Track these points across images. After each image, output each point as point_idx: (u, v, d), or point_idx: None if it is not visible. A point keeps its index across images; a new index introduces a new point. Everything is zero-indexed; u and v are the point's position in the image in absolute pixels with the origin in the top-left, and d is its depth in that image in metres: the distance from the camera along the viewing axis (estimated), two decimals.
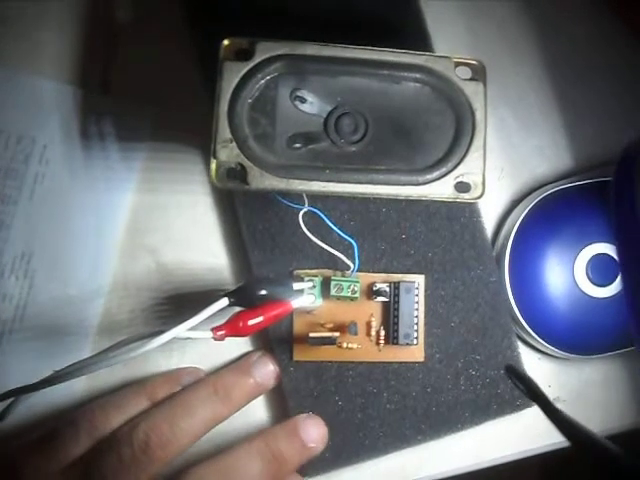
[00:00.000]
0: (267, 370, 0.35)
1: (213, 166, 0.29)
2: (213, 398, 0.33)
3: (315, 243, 0.33)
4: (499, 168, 0.38)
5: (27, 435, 0.33)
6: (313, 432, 0.34)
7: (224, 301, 0.30)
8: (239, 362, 0.35)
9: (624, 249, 0.25)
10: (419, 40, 0.36)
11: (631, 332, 0.25)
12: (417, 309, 0.34)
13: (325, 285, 0.34)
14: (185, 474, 0.32)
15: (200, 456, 0.33)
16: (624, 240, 0.25)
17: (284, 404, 0.35)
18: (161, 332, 0.29)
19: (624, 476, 0.23)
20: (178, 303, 0.35)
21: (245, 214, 0.35)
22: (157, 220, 0.36)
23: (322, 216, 0.33)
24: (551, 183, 0.37)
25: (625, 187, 0.23)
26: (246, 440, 0.33)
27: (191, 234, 0.36)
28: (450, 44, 0.37)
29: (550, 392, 0.37)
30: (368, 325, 0.34)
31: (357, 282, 0.33)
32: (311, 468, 0.34)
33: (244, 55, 0.30)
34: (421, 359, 0.35)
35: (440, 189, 0.30)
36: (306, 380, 0.34)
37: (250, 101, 0.30)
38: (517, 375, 0.28)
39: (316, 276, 0.34)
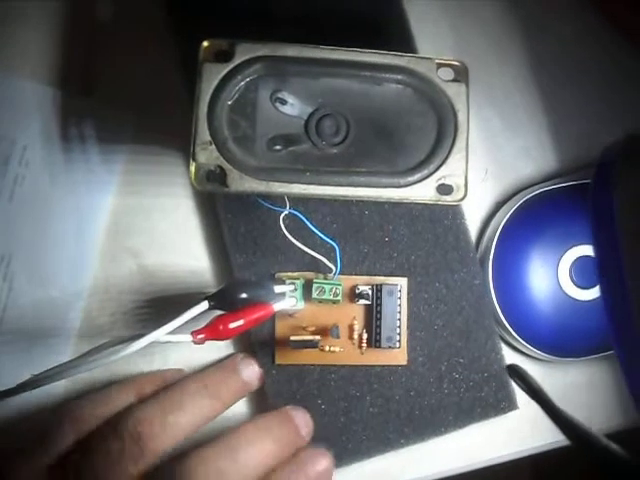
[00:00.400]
0: (253, 370, 0.34)
1: (192, 168, 0.29)
2: (203, 393, 0.32)
3: (297, 246, 0.33)
4: (483, 169, 0.37)
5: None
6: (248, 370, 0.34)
7: (204, 304, 0.30)
8: (224, 361, 0.35)
9: (601, 253, 0.25)
10: (402, 41, 0.36)
11: (609, 335, 0.25)
12: (400, 312, 0.34)
13: (307, 288, 0.33)
14: (186, 457, 0.30)
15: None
16: (601, 244, 0.25)
17: (266, 408, 0.34)
18: (140, 336, 0.29)
19: (625, 475, 0.23)
20: (159, 306, 0.35)
21: (227, 217, 0.35)
22: (138, 223, 0.36)
23: (303, 219, 0.33)
24: (536, 185, 0.37)
25: (602, 192, 0.23)
26: (249, 421, 0.32)
27: (173, 237, 0.36)
28: (434, 44, 0.37)
29: None
30: (350, 328, 0.34)
31: (339, 285, 0.33)
32: None
33: (224, 57, 0.30)
34: (404, 362, 0.35)
35: (422, 191, 0.30)
36: (288, 383, 0.34)
37: (230, 103, 0.29)
38: (519, 375, 0.28)
39: (298, 279, 0.34)
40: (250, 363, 0.35)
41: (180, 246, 0.36)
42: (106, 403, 0.32)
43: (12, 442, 0.32)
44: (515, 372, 0.29)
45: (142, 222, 0.36)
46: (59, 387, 0.34)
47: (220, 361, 0.35)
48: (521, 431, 0.37)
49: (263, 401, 0.35)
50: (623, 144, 0.24)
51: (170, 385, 0.33)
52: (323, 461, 0.32)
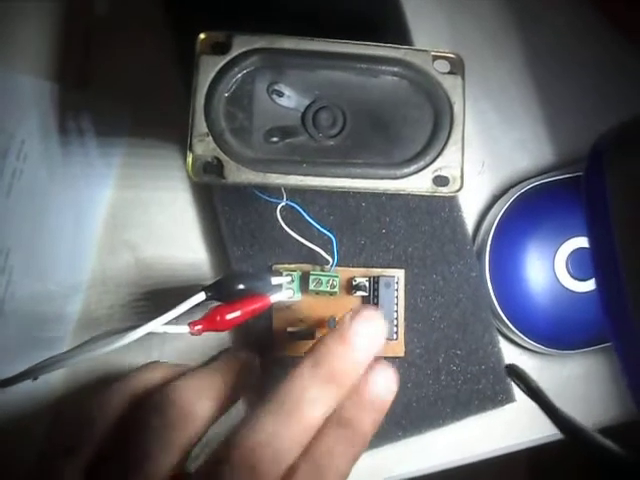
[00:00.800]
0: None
1: (189, 160, 0.29)
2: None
3: (294, 238, 0.33)
4: (480, 162, 0.38)
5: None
6: (366, 336, 0.27)
7: (201, 295, 0.30)
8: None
9: (596, 244, 0.25)
10: (399, 34, 0.36)
11: (605, 326, 0.25)
12: (397, 304, 0.34)
13: (304, 280, 0.34)
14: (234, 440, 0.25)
15: None
16: (595, 233, 0.25)
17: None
18: (137, 326, 0.29)
19: (625, 475, 0.23)
20: (157, 299, 0.35)
21: (224, 209, 0.35)
22: (136, 216, 0.36)
23: (300, 210, 0.33)
24: (532, 177, 0.37)
25: (596, 180, 0.23)
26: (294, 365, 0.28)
27: (170, 230, 0.36)
28: (430, 38, 0.37)
29: None
30: None
31: (336, 277, 0.33)
32: None
33: (221, 49, 0.30)
34: (401, 354, 0.35)
35: (418, 183, 0.30)
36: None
37: (227, 95, 0.30)
38: (517, 374, 0.28)
39: (295, 271, 0.34)
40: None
41: (178, 239, 0.36)
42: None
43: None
44: (513, 372, 0.29)
45: (140, 215, 0.36)
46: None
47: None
48: (519, 424, 0.37)
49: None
50: (616, 132, 0.24)
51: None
52: (387, 372, 0.28)
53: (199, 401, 0.28)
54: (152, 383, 0.30)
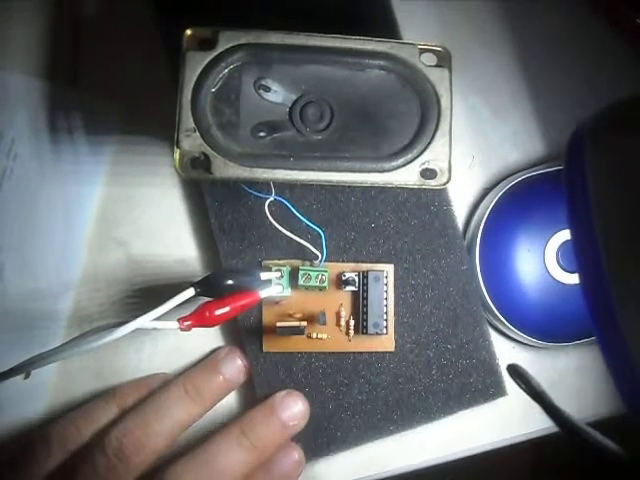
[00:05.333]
0: (236, 366, 0.34)
1: (177, 156, 0.29)
2: (184, 398, 0.33)
3: (283, 233, 0.33)
4: (470, 156, 0.38)
5: None
6: (292, 410, 0.33)
7: (190, 291, 0.30)
8: (207, 360, 0.35)
9: (577, 234, 0.25)
10: (387, 28, 0.36)
11: (588, 321, 0.25)
12: (386, 298, 0.34)
13: (293, 275, 0.33)
14: (162, 473, 0.31)
15: (176, 449, 0.33)
16: (577, 226, 0.24)
17: (254, 395, 0.34)
18: (127, 322, 0.29)
19: (625, 476, 0.23)
20: (148, 295, 0.35)
21: (213, 205, 0.35)
22: (126, 213, 0.36)
23: (289, 205, 0.33)
24: (522, 170, 0.37)
25: (575, 168, 0.23)
26: (223, 430, 0.33)
27: (160, 226, 0.36)
28: (419, 32, 0.37)
29: None
30: (337, 315, 0.34)
31: (325, 272, 0.33)
32: None
33: (207, 45, 0.30)
34: (391, 349, 0.35)
35: (406, 176, 0.30)
36: (276, 371, 0.34)
37: (214, 90, 0.30)
38: (519, 374, 0.28)
39: (284, 266, 0.34)
40: (234, 359, 0.35)
41: (168, 235, 0.36)
42: (90, 420, 0.33)
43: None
44: (515, 371, 0.29)
45: (130, 212, 0.36)
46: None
47: (207, 354, 0.35)
48: (511, 418, 0.37)
49: (251, 389, 0.35)
50: (594, 119, 0.24)
51: (152, 394, 0.34)
52: (293, 454, 0.34)
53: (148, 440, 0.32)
54: (108, 418, 0.33)
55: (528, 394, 0.27)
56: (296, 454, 0.34)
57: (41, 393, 0.35)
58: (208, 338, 0.35)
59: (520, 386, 0.28)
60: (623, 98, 0.23)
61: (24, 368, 0.29)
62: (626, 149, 0.22)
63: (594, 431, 0.24)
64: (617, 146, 0.22)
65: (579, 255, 0.26)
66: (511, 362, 0.31)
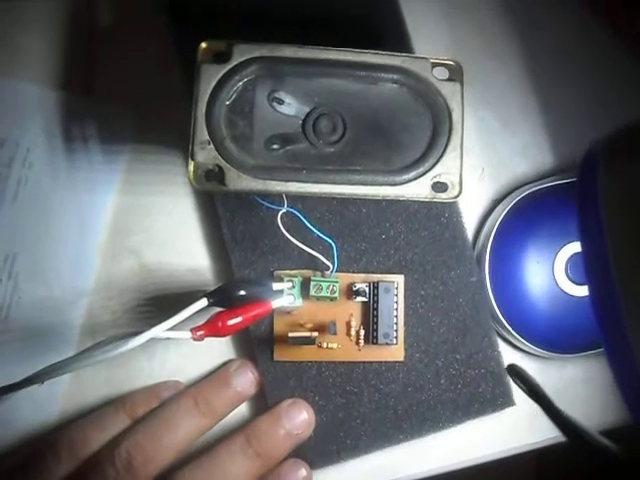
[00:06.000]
0: (247, 379, 0.35)
1: (191, 168, 0.29)
2: (194, 411, 0.33)
3: (295, 244, 0.33)
4: (480, 168, 0.38)
5: (8, 459, 0.34)
6: (297, 419, 0.34)
7: (203, 301, 0.31)
8: (219, 372, 0.35)
9: (588, 252, 0.25)
10: (399, 41, 0.37)
11: (597, 334, 0.26)
12: (396, 309, 0.34)
13: (305, 285, 0.34)
14: (168, 479, 0.32)
15: (183, 455, 0.33)
16: (588, 243, 0.25)
17: (265, 404, 0.35)
18: (140, 332, 0.29)
19: (622, 474, 0.23)
20: (160, 304, 0.35)
21: (226, 215, 0.35)
22: (139, 221, 0.36)
23: (301, 217, 0.33)
24: (531, 182, 0.37)
25: (588, 190, 0.23)
26: (227, 438, 0.33)
27: (173, 235, 0.36)
28: (430, 44, 0.38)
29: None
30: (348, 325, 0.34)
31: (336, 282, 0.33)
32: None
33: (222, 58, 0.30)
34: (401, 358, 0.35)
35: (417, 189, 0.30)
36: (287, 380, 0.35)
37: (228, 103, 0.30)
38: (518, 375, 0.28)
39: (296, 276, 0.34)
40: (245, 371, 0.35)
41: (180, 244, 0.36)
42: (101, 428, 0.33)
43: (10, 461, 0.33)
44: (514, 371, 0.29)
45: (143, 221, 0.36)
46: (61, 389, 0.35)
47: (218, 366, 0.36)
48: (518, 427, 0.37)
49: (262, 397, 0.35)
50: (608, 139, 0.25)
51: (162, 405, 0.34)
52: (301, 471, 0.34)
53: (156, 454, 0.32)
54: (118, 426, 0.33)
55: (527, 393, 0.28)
56: (304, 470, 0.34)
57: (53, 399, 0.35)
58: (219, 346, 0.36)
59: (519, 386, 0.28)
60: (635, 121, 0.24)
61: (39, 378, 0.29)
62: (637, 173, 0.22)
63: (592, 431, 0.25)
64: (629, 170, 0.23)
65: (589, 270, 0.26)
66: (512, 364, 0.31)
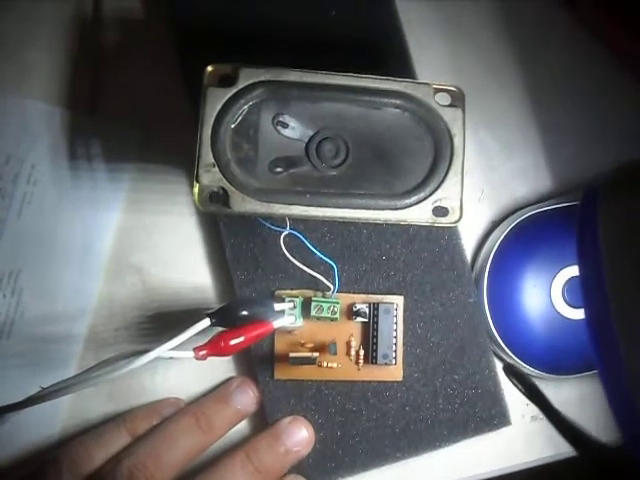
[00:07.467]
0: (247, 397, 0.35)
1: (196, 190, 0.30)
2: (195, 429, 0.34)
3: (297, 265, 0.33)
4: (479, 190, 0.38)
5: (9, 475, 0.34)
6: (296, 436, 0.34)
7: (206, 321, 0.31)
8: (219, 390, 0.36)
9: (586, 281, 0.26)
10: (402, 65, 0.37)
11: (592, 357, 0.26)
12: (396, 330, 0.35)
13: (306, 306, 0.34)
14: None
15: (183, 473, 0.33)
16: (586, 272, 0.25)
17: (265, 422, 0.35)
18: (144, 352, 0.30)
19: (622, 474, 0.23)
20: (162, 322, 0.36)
21: (229, 235, 0.36)
22: (143, 240, 0.37)
23: (303, 240, 0.33)
24: (530, 205, 0.38)
25: (588, 221, 0.24)
26: (228, 454, 0.34)
27: (176, 254, 0.37)
28: (432, 68, 0.38)
29: (528, 411, 0.37)
30: (348, 345, 0.35)
31: (337, 303, 0.34)
32: None
33: (228, 81, 0.30)
34: (399, 378, 0.35)
35: (418, 214, 0.31)
36: (286, 398, 0.35)
37: (233, 126, 0.30)
38: (514, 373, 0.28)
39: (297, 297, 0.35)
40: (245, 390, 0.35)
41: (183, 263, 0.37)
42: (101, 444, 0.33)
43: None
44: (511, 371, 0.29)
45: (146, 239, 0.37)
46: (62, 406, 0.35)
47: (219, 383, 0.36)
48: (514, 447, 0.38)
49: (262, 415, 0.36)
50: (610, 174, 0.25)
51: (164, 423, 0.34)
52: None
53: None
54: (120, 443, 0.34)
55: (523, 393, 0.28)
56: None
57: (55, 414, 0.35)
58: (220, 364, 0.36)
59: (516, 386, 0.28)
60: (634, 160, 0.24)
61: (42, 398, 0.30)
62: (636, 209, 0.23)
63: (589, 431, 0.25)
64: (628, 204, 0.23)
65: (586, 295, 0.27)
66: (508, 364, 0.31)
